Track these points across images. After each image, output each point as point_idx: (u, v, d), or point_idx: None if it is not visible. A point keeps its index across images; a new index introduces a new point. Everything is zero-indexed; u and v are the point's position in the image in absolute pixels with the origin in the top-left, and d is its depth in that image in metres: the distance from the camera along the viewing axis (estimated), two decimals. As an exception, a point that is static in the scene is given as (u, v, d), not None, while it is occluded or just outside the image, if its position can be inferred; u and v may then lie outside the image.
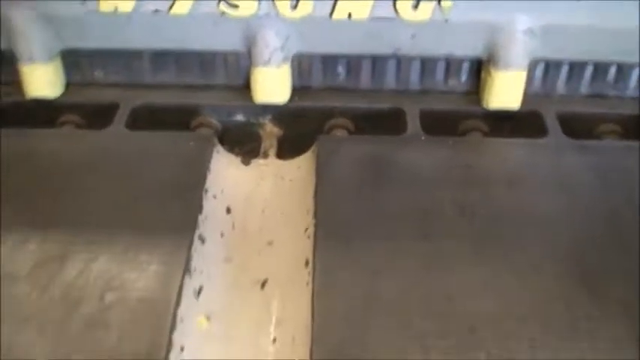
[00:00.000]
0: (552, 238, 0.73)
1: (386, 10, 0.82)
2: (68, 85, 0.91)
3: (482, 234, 0.74)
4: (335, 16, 0.82)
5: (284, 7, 0.81)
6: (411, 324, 0.65)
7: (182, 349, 0.64)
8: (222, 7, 0.82)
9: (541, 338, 0.64)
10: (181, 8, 0.82)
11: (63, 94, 0.91)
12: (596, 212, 0.76)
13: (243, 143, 0.89)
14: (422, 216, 0.75)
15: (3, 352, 0.61)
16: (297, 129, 0.90)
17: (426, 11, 0.81)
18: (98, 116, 0.88)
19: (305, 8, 0.81)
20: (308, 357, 0.62)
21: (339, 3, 0.81)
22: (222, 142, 0.87)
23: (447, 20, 0.82)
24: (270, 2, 0.81)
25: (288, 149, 0.89)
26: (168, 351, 0.62)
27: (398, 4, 0.81)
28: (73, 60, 0.90)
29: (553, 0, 0.82)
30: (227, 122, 0.90)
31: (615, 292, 0.68)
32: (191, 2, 0.81)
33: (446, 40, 0.85)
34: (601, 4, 0.82)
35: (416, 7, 0.81)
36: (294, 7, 0.81)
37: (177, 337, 0.64)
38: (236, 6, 0.81)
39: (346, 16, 0.82)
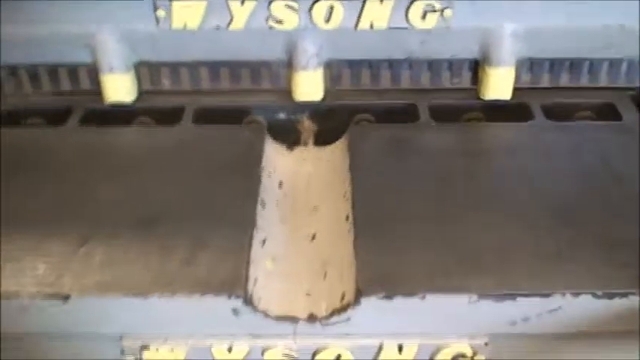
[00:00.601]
0: (540, 191, 0.91)
1: (400, 21, 1.01)
2: (141, 92, 1.10)
3: (485, 190, 0.92)
4: (360, 26, 1.01)
5: (319, 20, 1.01)
6: (434, 256, 0.82)
7: (255, 281, 0.83)
8: (271, 22, 1.01)
9: (533, 262, 0.82)
10: (238, 24, 1.01)
11: (136, 100, 1.09)
12: (574, 172, 0.95)
13: (286, 136, 1.07)
14: (437, 179, 0.93)
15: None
16: (330, 123, 1.07)
17: (431, 20, 1.00)
18: (166, 118, 1.06)
19: (335, 21, 1.00)
20: (354, 285, 0.80)
21: (363, 16, 1.00)
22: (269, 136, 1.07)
23: (448, 27, 1.02)
24: (308, 17, 1.01)
25: (322, 141, 1.07)
26: (246, 282, 0.81)
27: (410, 15, 1.00)
28: (144, 71, 1.08)
29: (533, 8, 1.00)
30: (271, 120, 1.09)
31: (591, 226, 0.86)
32: (245, 19, 1.01)
33: (449, 44, 1.04)
34: (573, 9, 1.01)
35: (424, 17, 1.00)
36: (327, 20, 1.01)
37: (252, 272, 0.83)
38: (281, 21, 1.01)
39: (369, 26, 1.01)
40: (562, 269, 0.81)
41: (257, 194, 0.92)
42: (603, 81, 1.10)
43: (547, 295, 0.79)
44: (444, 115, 1.07)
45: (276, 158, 1.01)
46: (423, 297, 0.78)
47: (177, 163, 0.97)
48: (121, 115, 1.08)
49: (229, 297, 0.78)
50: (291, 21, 1.00)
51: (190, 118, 1.05)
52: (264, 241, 0.88)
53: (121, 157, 0.99)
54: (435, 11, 0.99)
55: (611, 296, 0.79)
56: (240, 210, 0.89)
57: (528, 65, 1.08)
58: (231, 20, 1.00)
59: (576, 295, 0.78)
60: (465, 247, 0.84)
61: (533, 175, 0.95)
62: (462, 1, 1.00)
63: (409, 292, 0.79)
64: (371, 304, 0.79)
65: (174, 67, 1.08)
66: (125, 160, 0.98)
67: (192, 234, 0.85)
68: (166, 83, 1.09)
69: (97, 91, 1.08)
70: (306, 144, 1.07)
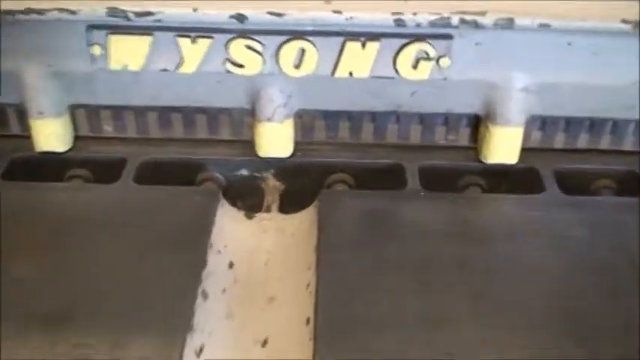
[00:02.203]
0: (548, 293, 0.75)
1: (386, 70, 0.84)
2: (77, 139, 0.93)
3: (480, 288, 0.75)
4: (337, 74, 0.84)
5: (287, 67, 0.83)
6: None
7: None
8: (228, 65, 0.84)
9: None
10: (189, 67, 0.84)
11: (72, 149, 0.92)
12: (591, 268, 0.78)
13: (247, 197, 0.91)
14: (421, 270, 0.77)
15: None
16: (299, 183, 0.91)
17: (425, 70, 0.83)
18: (106, 171, 0.90)
19: (308, 67, 0.83)
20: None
21: (340, 62, 0.83)
22: (225, 195, 0.89)
23: (445, 78, 0.84)
24: (274, 61, 0.83)
25: (290, 203, 0.91)
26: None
27: (398, 63, 0.83)
28: (81, 114, 0.92)
29: (548, 58, 0.84)
30: (231, 176, 0.92)
31: (610, 348, 0.69)
32: (198, 62, 0.83)
33: (445, 97, 0.87)
34: (595, 62, 0.84)
35: (415, 66, 0.83)
36: (297, 66, 0.83)
37: (178, 397, 0.66)
38: (241, 65, 0.84)
39: (347, 74, 0.84)
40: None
41: (198, 282, 0.75)
42: (628, 145, 0.92)
43: None
44: (435, 178, 0.90)
45: (231, 230, 0.85)
46: None
47: (108, 234, 0.81)
48: (51, 166, 0.91)
49: None
50: (253, 65, 0.83)
51: (132, 173, 0.88)
52: (200, 349, 0.71)
53: (42, 223, 0.83)
54: (429, 59, 0.81)
55: None
56: (175, 305, 0.72)
57: (540, 124, 0.90)
58: (181, 62, 0.83)
59: None
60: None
61: (540, 267, 0.78)
62: (463, 48, 0.82)
63: None
64: None
65: (118, 112, 0.91)
66: (46, 229, 0.82)
67: (110, 336, 0.69)
68: (108, 129, 0.92)
69: (27, 136, 0.91)
70: (269, 209, 0.90)
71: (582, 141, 0.93)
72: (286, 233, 0.87)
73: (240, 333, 0.75)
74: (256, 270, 0.82)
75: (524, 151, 0.91)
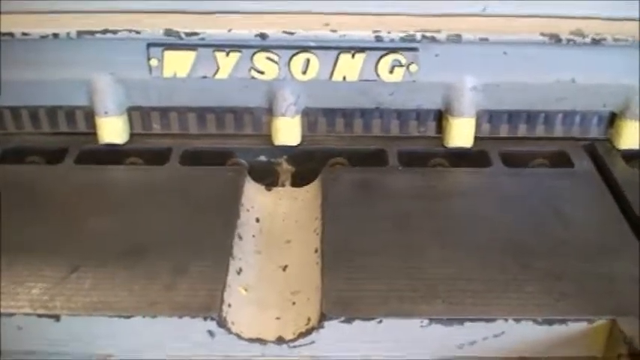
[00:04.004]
0: (493, 231, 1.00)
1: (370, 74, 1.11)
2: (131, 136, 1.19)
3: (443, 229, 1.01)
4: (334, 78, 1.11)
5: (297, 73, 1.11)
6: (392, 285, 0.90)
7: (229, 306, 0.91)
8: (253, 72, 1.11)
9: (481, 291, 0.90)
10: (223, 74, 1.11)
11: (128, 142, 1.18)
12: (525, 214, 1.04)
13: (265, 178, 1.16)
14: (401, 218, 1.02)
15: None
16: (306, 166, 1.17)
17: (399, 75, 1.10)
18: (156, 158, 1.15)
19: (312, 72, 1.10)
20: (319, 310, 0.88)
21: (336, 69, 1.11)
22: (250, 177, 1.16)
23: (414, 81, 1.12)
24: (287, 69, 1.11)
25: (299, 181, 1.16)
26: (221, 306, 0.89)
27: (379, 69, 1.10)
28: (136, 115, 1.18)
29: (490, 64, 1.11)
30: (253, 162, 1.18)
31: (537, 263, 0.95)
32: (230, 70, 1.11)
33: (415, 96, 1.14)
34: (526, 66, 1.11)
35: (391, 71, 1.11)
36: (304, 72, 1.11)
37: (226, 297, 0.91)
38: (262, 72, 1.11)
39: (342, 78, 1.11)
40: (507, 298, 0.90)
41: (235, 228, 1.01)
42: (558, 132, 1.19)
43: (491, 321, 0.87)
44: (411, 160, 1.16)
45: (255, 197, 1.10)
46: (380, 321, 0.87)
47: (163, 199, 1.06)
48: (113, 155, 1.17)
49: (205, 319, 0.87)
50: (271, 72, 1.10)
51: (177, 159, 1.14)
52: (239, 270, 0.97)
53: (112, 194, 1.08)
54: (401, 66, 1.09)
55: (550, 322, 0.87)
56: (219, 241, 0.98)
57: (488, 116, 1.17)
58: (217, 70, 1.10)
59: (518, 320, 0.87)
60: (420, 278, 0.92)
61: (487, 216, 1.04)
62: (426, 57, 1.10)
63: (367, 317, 0.87)
64: (333, 327, 0.87)
65: (164, 112, 1.18)
66: (116, 197, 1.07)
67: (173, 262, 0.94)
68: (156, 127, 1.18)
69: (92, 132, 1.17)
70: (283, 185, 1.16)
71: (522, 130, 1.20)
72: (297, 200, 1.12)
73: (267, 262, 1.00)
74: (276, 223, 1.07)
75: (478, 139, 1.18)
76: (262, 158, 1.18)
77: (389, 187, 1.10)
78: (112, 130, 1.16)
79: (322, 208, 1.05)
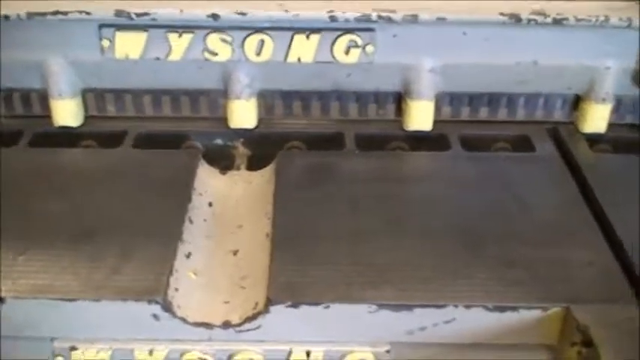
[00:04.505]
0: (447, 216, 0.99)
1: (326, 55, 1.09)
2: (86, 118, 1.17)
3: (396, 214, 0.99)
4: (288, 60, 1.09)
5: (251, 54, 1.09)
6: (341, 270, 0.89)
7: (176, 290, 0.89)
8: (206, 54, 1.09)
9: (432, 277, 0.89)
10: (176, 55, 1.09)
11: (83, 124, 1.17)
12: (482, 199, 1.03)
13: (221, 161, 1.14)
14: (353, 203, 1.01)
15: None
16: (263, 150, 1.15)
17: (355, 56, 1.09)
18: (110, 141, 1.14)
19: (266, 54, 1.09)
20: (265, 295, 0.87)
21: (291, 50, 1.09)
22: (205, 160, 1.14)
23: (371, 62, 1.10)
24: (240, 50, 1.09)
25: (255, 165, 1.15)
26: (166, 289, 0.87)
27: (334, 50, 1.09)
28: (91, 98, 1.16)
29: (449, 45, 1.09)
30: (208, 145, 1.17)
31: (488, 250, 0.93)
32: (183, 51, 1.09)
33: (373, 78, 1.12)
34: (486, 47, 1.09)
35: (347, 52, 1.09)
36: (258, 53, 1.09)
37: (173, 281, 0.90)
38: (216, 53, 1.09)
39: (297, 60, 1.09)
40: (458, 284, 0.88)
41: (185, 212, 0.99)
42: (521, 115, 1.18)
43: (441, 307, 0.86)
44: (369, 144, 1.15)
45: (209, 180, 1.09)
46: (327, 306, 0.85)
47: (115, 183, 1.05)
48: (68, 138, 1.15)
49: (149, 303, 0.85)
50: (225, 53, 1.08)
51: (131, 142, 1.12)
52: (189, 254, 0.95)
53: (64, 176, 1.06)
54: (357, 47, 1.07)
55: (502, 309, 0.86)
56: (169, 225, 0.96)
57: (449, 99, 1.15)
58: (170, 52, 1.08)
59: (468, 307, 0.86)
60: (370, 264, 0.91)
61: (443, 200, 1.03)
62: (383, 38, 1.08)
63: (314, 301, 0.86)
64: (279, 312, 0.86)
65: (119, 94, 1.16)
66: (67, 180, 1.05)
67: (121, 246, 0.93)
68: (111, 109, 1.16)
69: (47, 115, 1.16)
70: (238, 168, 1.14)
71: (484, 113, 1.18)
72: (252, 184, 1.11)
73: (218, 246, 0.99)
74: (229, 207, 1.06)
75: (439, 122, 1.16)
76: (218, 141, 1.17)
77: (344, 171, 1.08)
78: (66, 113, 1.15)
79: (275, 192, 1.03)
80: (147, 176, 1.06)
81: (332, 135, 1.16)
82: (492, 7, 1.07)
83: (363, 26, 1.07)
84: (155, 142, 1.15)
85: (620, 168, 1.11)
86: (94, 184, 1.04)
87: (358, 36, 1.07)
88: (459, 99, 1.16)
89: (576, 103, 1.17)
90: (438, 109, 1.15)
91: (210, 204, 1.06)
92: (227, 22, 1.06)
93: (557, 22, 1.05)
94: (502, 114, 1.18)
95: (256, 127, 1.16)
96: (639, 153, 1.15)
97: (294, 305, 0.85)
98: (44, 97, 1.15)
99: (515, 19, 1.05)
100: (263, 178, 1.10)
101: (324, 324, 0.87)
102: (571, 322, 0.85)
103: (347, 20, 1.05)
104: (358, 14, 1.04)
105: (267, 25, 1.07)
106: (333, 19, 1.05)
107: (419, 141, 1.16)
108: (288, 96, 1.16)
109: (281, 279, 0.88)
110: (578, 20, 1.06)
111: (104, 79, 1.13)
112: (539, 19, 1.05)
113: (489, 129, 1.18)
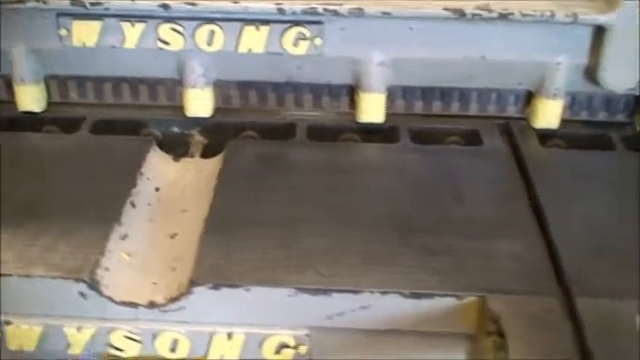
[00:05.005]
0: (384, 206, 1.00)
1: (276, 47, 1.11)
2: (50, 104, 1.21)
3: (335, 203, 1.01)
4: (239, 50, 1.12)
5: (202, 44, 1.12)
6: (266, 255, 0.91)
7: (107, 269, 0.93)
8: (159, 44, 1.12)
9: (356, 264, 0.91)
10: (130, 44, 1.12)
11: (46, 110, 1.21)
12: (422, 190, 1.04)
13: (177, 148, 1.17)
14: (295, 191, 1.03)
15: None
16: (218, 138, 1.18)
17: (303, 47, 1.11)
18: (70, 126, 1.18)
19: (217, 44, 1.11)
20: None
21: (241, 41, 1.11)
22: (162, 147, 1.17)
23: (321, 55, 1.12)
24: (192, 40, 1.12)
25: (210, 154, 1.17)
26: (94, 268, 0.90)
27: (283, 42, 1.11)
28: (54, 85, 1.20)
29: (397, 39, 1.10)
30: (166, 133, 1.20)
31: (420, 238, 0.95)
32: (137, 39, 1.12)
33: (324, 70, 1.14)
34: (434, 41, 1.11)
35: (296, 44, 1.11)
36: (210, 44, 1.12)
37: (104, 261, 0.93)
38: (168, 43, 1.12)
39: (247, 50, 1.12)
40: (380, 271, 0.90)
41: (128, 196, 1.02)
42: (474, 110, 1.19)
43: (357, 292, 0.87)
44: (322, 135, 1.17)
45: (160, 166, 1.12)
46: (247, 289, 0.88)
47: (66, 166, 1.08)
48: (31, 123, 1.19)
49: (76, 281, 0.89)
50: (177, 43, 1.11)
51: (89, 127, 1.16)
52: (125, 236, 0.98)
53: (16, 160, 1.10)
54: (306, 39, 1.10)
55: (418, 297, 0.87)
56: (108, 208, 1.00)
57: (401, 92, 1.17)
58: (124, 40, 1.11)
59: (384, 293, 0.87)
60: (297, 249, 0.93)
61: (383, 191, 1.04)
62: (331, 31, 1.10)
63: (234, 284, 0.88)
64: (201, 293, 0.88)
65: (81, 81, 1.19)
66: (20, 163, 1.09)
67: (60, 226, 0.96)
68: (73, 96, 1.20)
69: (12, 101, 1.20)
70: (192, 156, 1.17)
71: (437, 107, 1.19)
72: (203, 171, 1.13)
73: (158, 230, 1.01)
74: (176, 193, 1.09)
75: (392, 115, 1.18)
76: (175, 129, 1.19)
77: (291, 160, 1.10)
78: (29, 99, 1.19)
79: (218, 178, 1.05)
80: (97, 161, 1.09)
81: (286, 125, 1.18)
82: (440, 3, 1.08)
83: (310, 19, 1.09)
84: (113, 129, 1.18)
85: (568, 164, 1.12)
86: (45, 167, 1.08)
87: (306, 28, 1.09)
88: (411, 92, 1.17)
89: (529, 98, 1.17)
90: (391, 102, 1.17)
91: (157, 189, 1.08)
92: (177, 12, 1.08)
93: (503, 17, 1.06)
94: (455, 108, 1.19)
95: (213, 116, 1.19)
96: (592, 149, 1.15)
97: (216, 287, 0.88)
98: (9, 83, 1.18)
99: (460, 14, 1.06)
100: (213, 166, 1.13)
101: (245, 307, 0.89)
102: (487, 312, 0.86)
103: (294, 13, 1.07)
104: (305, 7, 1.06)
105: (217, 15, 1.09)
106: (281, 11, 1.07)
107: (371, 133, 1.17)
108: (244, 86, 1.18)
109: (206, 261, 0.91)
110: (523, 15, 1.06)
111: (65, 67, 1.17)
112: (484, 14, 1.06)
113: (442, 123, 1.19)
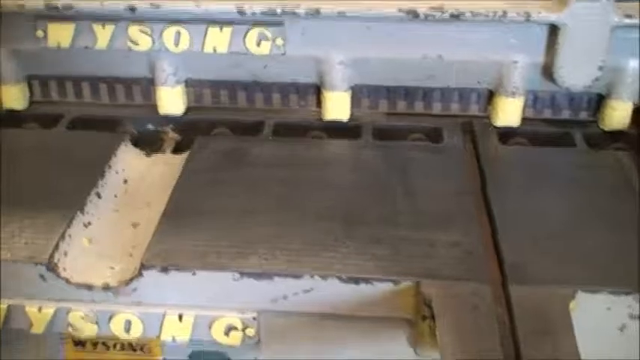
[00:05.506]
0: (336, 198, 1.04)
1: (239, 47, 1.16)
2: (32, 103, 1.28)
3: (289, 195, 1.05)
4: (205, 50, 1.16)
5: (170, 44, 1.17)
6: (215, 241, 0.96)
7: (65, 254, 0.98)
8: (129, 44, 1.18)
9: (299, 250, 0.95)
10: (102, 44, 1.18)
11: (27, 108, 1.27)
12: (375, 184, 1.07)
13: (151, 145, 1.23)
14: (254, 184, 1.08)
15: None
16: (190, 135, 1.23)
17: (266, 47, 1.15)
18: (50, 123, 1.24)
19: (183, 44, 1.16)
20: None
21: (206, 41, 1.16)
22: (137, 144, 1.22)
23: (284, 54, 1.17)
24: (160, 41, 1.17)
25: (183, 150, 1.22)
26: (53, 253, 0.96)
27: (246, 42, 1.15)
28: (36, 85, 1.27)
29: (355, 39, 1.14)
30: (141, 130, 1.25)
31: (361, 229, 0.98)
32: (107, 41, 1.18)
33: (289, 70, 1.19)
34: (391, 41, 1.14)
35: (259, 44, 1.16)
36: (177, 44, 1.17)
37: (64, 246, 0.99)
38: (137, 43, 1.18)
39: (212, 50, 1.17)
40: (321, 257, 0.94)
41: (94, 187, 1.08)
42: (437, 109, 1.22)
43: (298, 276, 0.92)
44: (289, 132, 1.21)
45: (130, 161, 1.17)
46: (194, 273, 0.93)
47: (39, 160, 1.14)
48: (13, 120, 1.26)
49: (35, 264, 0.94)
50: (145, 43, 1.17)
51: (66, 124, 1.22)
52: (87, 224, 1.04)
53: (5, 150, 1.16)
54: (267, 39, 1.14)
55: (356, 281, 0.91)
56: (73, 198, 1.05)
57: (366, 91, 1.21)
58: (96, 41, 1.17)
59: (324, 277, 0.91)
60: (244, 236, 0.97)
61: (337, 185, 1.08)
62: (292, 32, 1.14)
63: (181, 268, 0.93)
64: (151, 276, 0.93)
65: (61, 81, 1.25)
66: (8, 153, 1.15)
67: (27, 214, 1.02)
68: (54, 95, 1.26)
69: (0, 99, 1.27)
70: (164, 152, 1.22)
71: (401, 106, 1.23)
72: (172, 166, 1.17)
73: (121, 220, 1.07)
74: (143, 186, 1.14)
75: (358, 114, 1.22)
76: (150, 127, 1.24)
77: (254, 155, 1.15)
78: (11, 97, 1.25)
79: (181, 172, 1.10)
80: (70, 154, 1.15)
81: (254, 123, 1.23)
82: (395, 3, 1.11)
83: (271, 20, 1.13)
84: (89, 126, 1.23)
85: (524, 160, 1.15)
86: (19, 160, 1.14)
87: (267, 29, 1.14)
88: (376, 91, 1.21)
89: (490, 97, 1.20)
90: (357, 100, 1.21)
91: (125, 181, 1.14)
92: (144, 14, 1.14)
93: (455, 17, 1.09)
94: (419, 107, 1.22)
95: (186, 113, 1.24)
96: (553, 146, 1.18)
97: (164, 270, 0.93)
98: None
99: (413, 14, 1.10)
100: (182, 161, 1.18)
101: (192, 290, 0.94)
102: (420, 297, 0.90)
103: (254, 13, 1.12)
104: (264, 8, 1.11)
105: (183, 17, 1.14)
106: (241, 12, 1.12)
107: (335, 131, 1.21)
108: (215, 85, 1.23)
109: (157, 246, 0.96)
110: (474, 15, 1.09)
111: (45, 67, 1.23)
112: (437, 14, 1.09)
113: (406, 121, 1.22)
